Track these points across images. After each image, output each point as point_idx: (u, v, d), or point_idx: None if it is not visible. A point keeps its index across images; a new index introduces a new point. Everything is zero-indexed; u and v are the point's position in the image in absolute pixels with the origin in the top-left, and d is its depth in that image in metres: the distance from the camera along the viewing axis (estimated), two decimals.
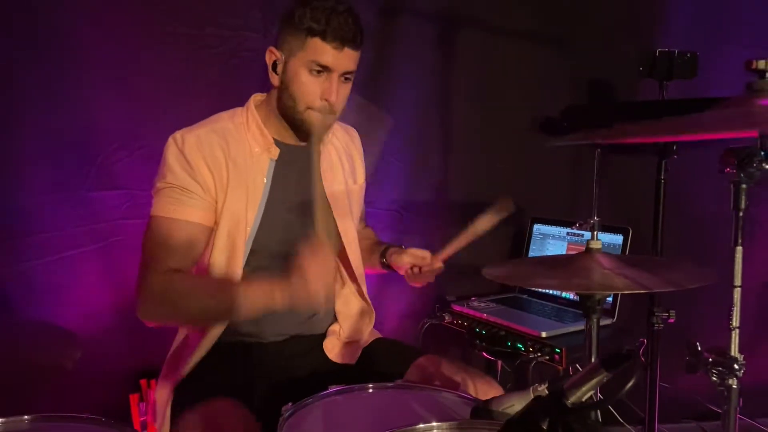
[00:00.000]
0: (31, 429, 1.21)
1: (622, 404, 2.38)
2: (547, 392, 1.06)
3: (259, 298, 1.46)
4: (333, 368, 1.72)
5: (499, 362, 2.38)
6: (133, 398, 2.15)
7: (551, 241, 2.45)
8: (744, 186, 1.19)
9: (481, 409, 1.16)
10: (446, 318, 2.33)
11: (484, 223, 1.67)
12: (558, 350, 1.97)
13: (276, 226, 1.64)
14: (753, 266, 1.90)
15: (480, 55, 2.51)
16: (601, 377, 0.75)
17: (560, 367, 1.98)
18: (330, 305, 1.77)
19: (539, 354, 2.00)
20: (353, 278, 1.79)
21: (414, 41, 2.41)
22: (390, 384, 1.45)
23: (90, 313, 2.13)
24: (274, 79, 1.60)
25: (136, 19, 2.09)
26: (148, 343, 2.01)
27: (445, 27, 2.44)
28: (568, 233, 2.39)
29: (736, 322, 1.19)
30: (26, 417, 1.20)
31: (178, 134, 1.58)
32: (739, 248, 1.20)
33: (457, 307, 2.35)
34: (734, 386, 1.17)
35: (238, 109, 1.68)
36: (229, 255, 1.59)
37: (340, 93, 1.57)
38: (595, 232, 1.30)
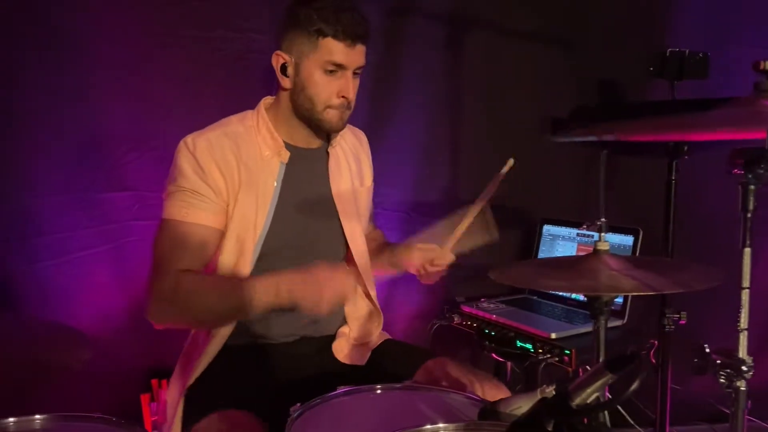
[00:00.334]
0: (43, 428, 1.22)
1: (632, 406, 2.37)
2: (554, 393, 1.06)
3: (265, 294, 1.47)
4: (342, 370, 1.72)
5: (509, 364, 2.37)
6: (144, 398, 2.17)
7: (561, 242, 2.44)
8: (752, 187, 1.18)
9: (489, 411, 1.15)
10: (455, 319, 2.33)
11: (482, 196, 1.67)
12: (568, 351, 1.97)
13: (285, 229, 1.64)
14: (762, 268, 1.89)
15: (488, 55, 2.50)
16: (606, 379, 0.75)
17: (570, 369, 1.97)
18: (337, 308, 1.76)
19: (549, 355, 2.00)
20: (360, 280, 1.79)
21: (422, 42, 2.41)
22: (398, 385, 1.45)
23: (101, 314, 2.15)
24: (285, 82, 1.60)
25: (145, 22, 2.10)
26: (159, 343, 2.02)
27: (453, 28, 2.43)
28: (577, 234, 2.38)
29: (744, 323, 1.18)
30: (38, 416, 1.21)
31: (189, 138, 1.59)
32: (748, 250, 1.19)
33: (466, 309, 2.34)
34: (742, 388, 1.16)
35: (249, 113, 1.68)
36: (237, 258, 1.60)
37: (354, 89, 1.60)
38: (603, 233, 1.29)
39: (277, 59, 1.60)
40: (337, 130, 1.66)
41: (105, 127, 2.11)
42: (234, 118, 1.67)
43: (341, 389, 1.39)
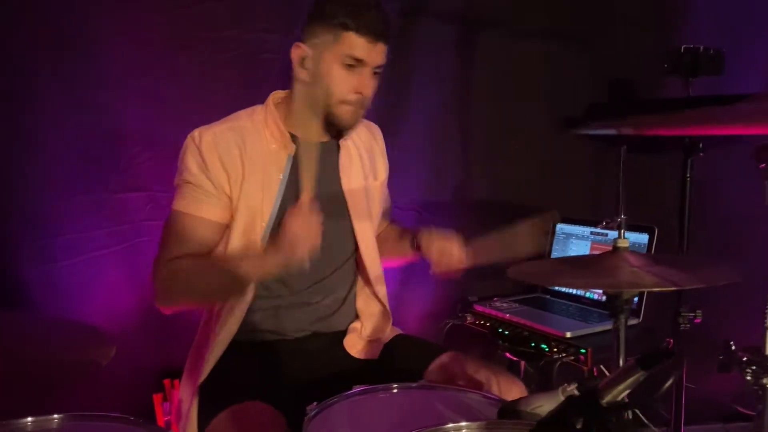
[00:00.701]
0: (61, 428, 1.22)
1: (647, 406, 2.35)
2: (576, 392, 1.05)
3: (256, 265, 1.54)
4: (355, 365, 1.72)
5: (522, 363, 2.36)
6: (157, 398, 2.17)
7: (574, 240, 2.42)
8: None
9: (509, 410, 1.14)
10: (468, 318, 2.32)
11: (524, 233, 1.62)
12: (583, 351, 1.95)
13: None
14: None
15: (501, 54, 2.49)
16: (637, 376, 0.74)
17: (585, 368, 1.96)
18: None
19: (564, 354, 1.98)
20: (368, 281, 1.78)
21: (434, 41, 2.41)
22: (414, 384, 1.44)
23: (114, 314, 2.15)
24: (303, 74, 1.60)
25: (159, 23, 2.11)
26: (171, 343, 2.03)
27: (465, 27, 2.43)
28: (591, 232, 2.37)
29: None
30: (56, 416, 1.21)
31: (195, 132, 1.61)
32: None
33: (479, 308, 2.33)
34: None
35: (258, 107, 1.69)
36: (244, 250, 1.60)
37: (372, 87, 1.59)
38: (622, 231, 1.28)
39: (297, 51, 1.60)
40: (348, 127, 1.65)
41: (118, 127, 2.12)
42: (243, 113, 1.68)
43: (357, 388, 1.38)
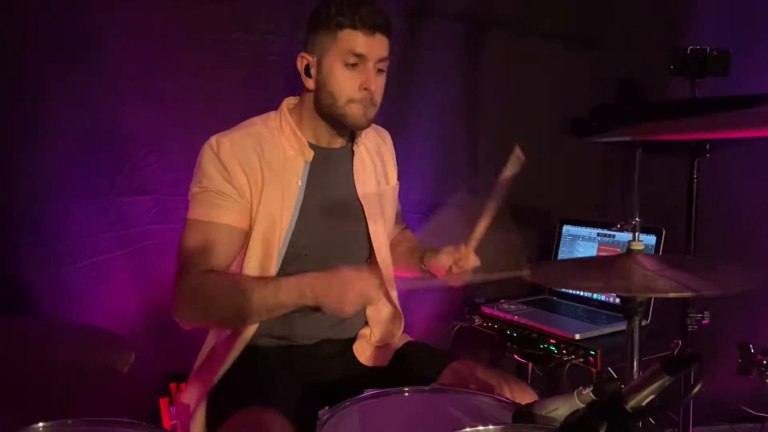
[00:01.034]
0: None
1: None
2: (593, 396, 1.04)
3: (289, 295, 1.47)
4: (365, 371, 1.71)
5: (530, 365, 2.35)
6: (163, 402, 2.16)
7: (581, 242, 2.42)
8: None
9: (524, 413, 1.14)
10: (476, 320, 2.31)
11: (499, 189, 1.61)
12: (593, 353, 1.94)
13: (311, 229, 1.64)
14: None
15: (507, 55, 2.49)
16: (663, 381, 0.73)
17: (594, 370, 1.95)
18: (361, 310, 1.75)
19: (573, 356, 1.98)
20: (381, 282, 1.77)
21: (441, 42, 2.40)
22: (426, 387, 1.44)
23: (120, 318, 2.14)
24: (309, 83, 1.60)
25: (165, 25, 2.10)
26: (177, 347, 2.01)
27: (472, 28, 2.43)
28: (598, 234, 2.36)
29: None
30: (68, 420, 1.21)
31: (213, 139, 1.59)
32: None
33: (486, 310, 2.33)
34: None
35: (272, 113, 1.69)
36: (263, 258, 1.60)
37: (377, 83, 1.58)
38: (637, 234, 1.28)
39: (302, 61, 1.60)
40: (361, 127, 1.65)
41: (123, 130, 2.11)
42: (257, 120, 1.67)
43: (369, 392, 1.38)
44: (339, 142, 1.70)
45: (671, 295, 1.11)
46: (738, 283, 1.18)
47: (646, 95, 2.56)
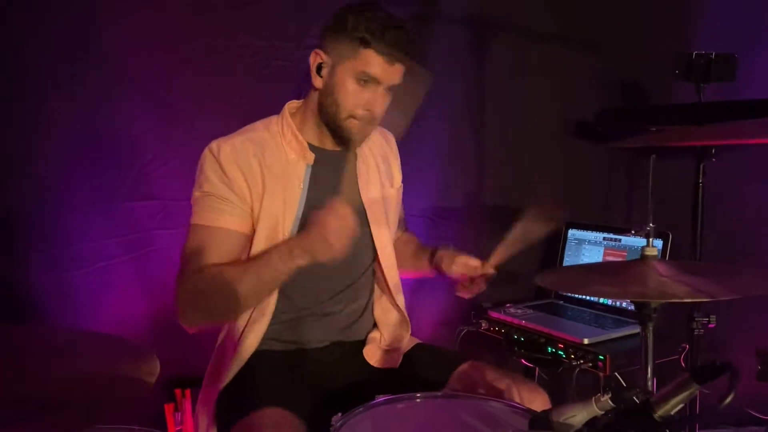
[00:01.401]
0: None
1: None
2: (611, 403, 1.04)
3: (281, 260, 1.46)
4: (375, 374, 1.71)
5: (537, 370, 2.35)
6: (168, 408, 2.15)
7: (587, 246, 2.42)
8: None
9: (541, 420, 1.13)
10: (483, 325, 2.31)
11: (535, 227, 1.62)
12: (602, 357, 1.94)
13: None
14: None
15: (512, 59, 2.50)
16: (692, 390, 0.73)
17: (603, 375, 1.95)
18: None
19: (581, 361, 1.97)
20: (386, 288, 1.77)
21: (446, 46, 2.40)
22: (438, 393, 1.44)
23: (125, 323, 2.13)
24: (317, 81, 1.59)
25: (171, 30, 2.10)
26: (183, 353, 2.00)
27: (476, 32, 2.43)
28: (604, 238, 2.36)
29: None
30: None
31: (214, 144, 1.59)
32: None
33: (493, 314, 2.32)
34: None
35: (273, 118, 1.68)
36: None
37: (382, 105, 1.58)
38: (651, 239, 1.27)
39: (315, 57, 1.59)
40: (356, 142, 1.65)
41: (129, 135, 2.10)
42: (259, 124, 1.67)
43: (380, 398, 1.37)
44: (343, 146, 1.69)
45: (687, 300, 1.11)
46: (752, 287, 1.18)
47: (651, 100, 2.56)
